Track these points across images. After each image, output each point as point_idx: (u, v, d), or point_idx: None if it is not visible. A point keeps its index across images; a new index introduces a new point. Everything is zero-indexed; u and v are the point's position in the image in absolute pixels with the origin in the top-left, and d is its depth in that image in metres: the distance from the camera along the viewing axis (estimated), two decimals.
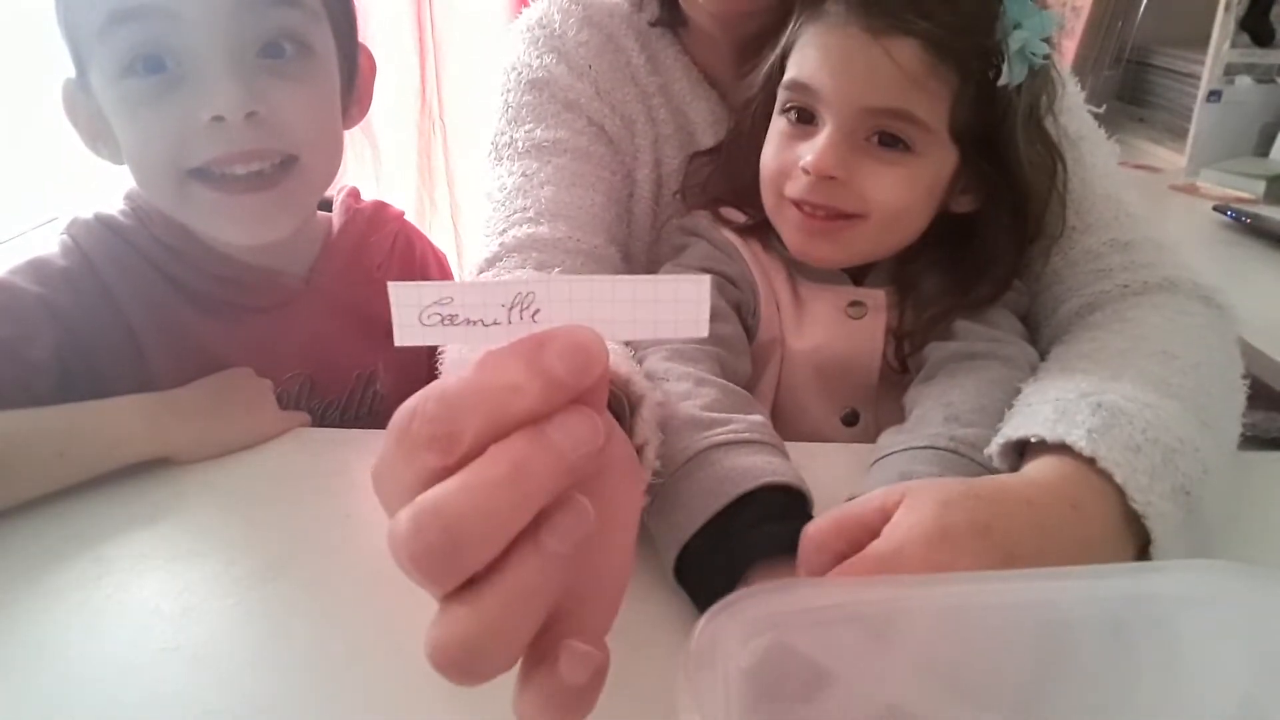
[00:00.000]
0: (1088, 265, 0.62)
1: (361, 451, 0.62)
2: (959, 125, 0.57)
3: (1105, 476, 0.42)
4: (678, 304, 0.26)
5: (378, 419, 0.77)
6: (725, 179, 0.68)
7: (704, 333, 0.26)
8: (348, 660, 0.43)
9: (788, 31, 0.61)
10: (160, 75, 0.58)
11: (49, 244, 0.65)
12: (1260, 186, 1.22)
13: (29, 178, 1.27)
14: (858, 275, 0.65)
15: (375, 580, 0.48)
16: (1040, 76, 0.58)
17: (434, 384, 0.25)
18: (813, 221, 0.59)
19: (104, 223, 0.67)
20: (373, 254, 0.78)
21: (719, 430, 0.47)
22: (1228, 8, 1.29)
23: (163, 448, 0.58)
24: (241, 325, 0.68)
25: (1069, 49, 1.47)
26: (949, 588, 0.29)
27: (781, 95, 0.61)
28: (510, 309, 0.25)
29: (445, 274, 0.88)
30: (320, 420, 0.71)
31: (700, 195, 0.70)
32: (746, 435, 0.47)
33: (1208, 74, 1.31)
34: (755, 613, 0.27)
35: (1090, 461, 0.42)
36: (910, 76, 0.54)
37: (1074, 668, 0.28)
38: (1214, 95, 1.32)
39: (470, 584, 0.24)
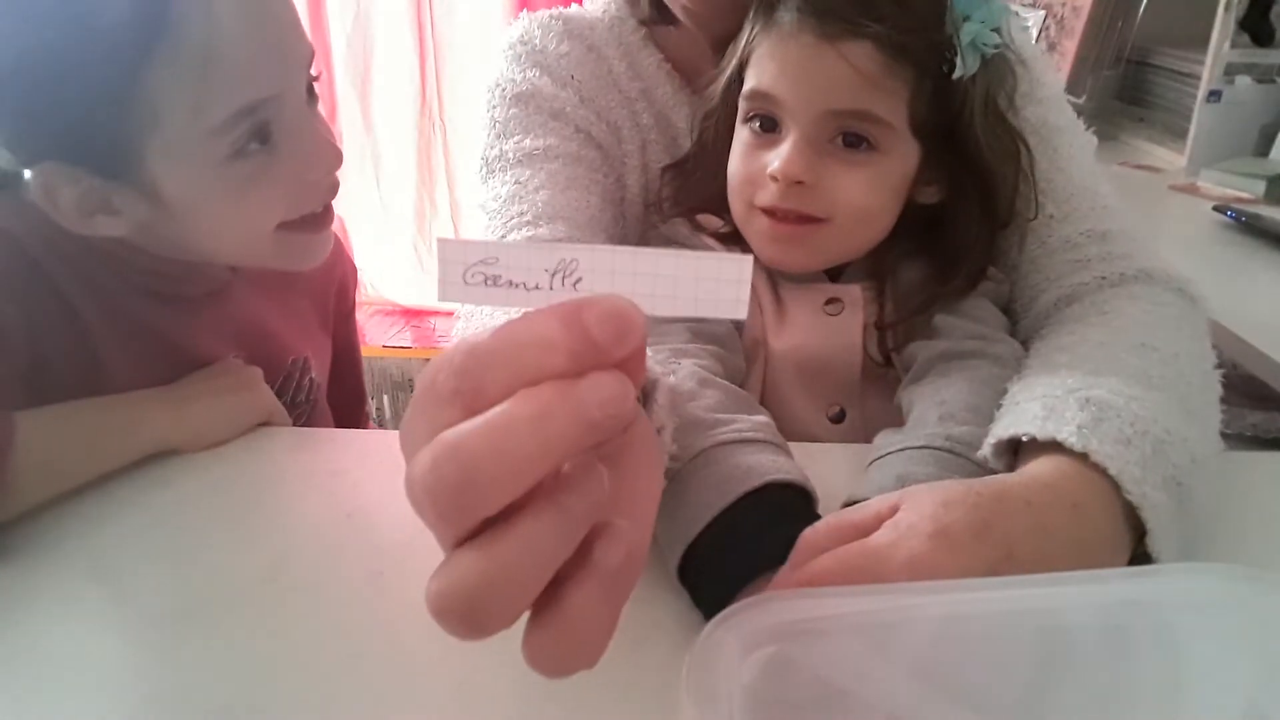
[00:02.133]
0: (1065, 255, 0.63)
1: (362, 451, 0.62)
2: (918, 120, 0.58)
3: (1099, 471, 0.42)
4: (719, 283, 0.26)
5: (317, 406, 0.81)
6: (694, 191, 0.69)
7: (743, 314, 0.26)
8: (348, 660, 0.43)
9: (743, 42, 0.62)
10: (268, 145, 0.60)
11: None
12: (1260, 186, 1.22)
13: None
14: (834, 273, 0.66)
15: (375, 580, 0.48)
16: (994, 65, 0.59)
17: (464, 338, 0.25)
18: (782, 226, 0.60)
19: (26, 207, 0.61)
20: None
21: (723, 429, 0.47)
22: (1228, 8, 1.29)
23: (171, 436, 0.59)
24: (182, 309, 0.69)
25: (1069, 49, 1.47)
26: (949, 596, 0.29)
27: (743, 105, 0.62)
28: (553, 275, 0.25)
29: (355, 283, 0.93)
30: None
31: (673, 208, 0.71)
32: (750, 434, 0.48)
33: (1208, 74, 1.31)
34: (756, 625, 0.27)
35: (1083, 457, 0.42)
36: (867, 77, 0.55)
37: (1075, 674, 0.28)
38: (1214, 95, 1.32)
39: (481, 533, 0.23)
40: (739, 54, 0.62)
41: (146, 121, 0.55)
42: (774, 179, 0.58)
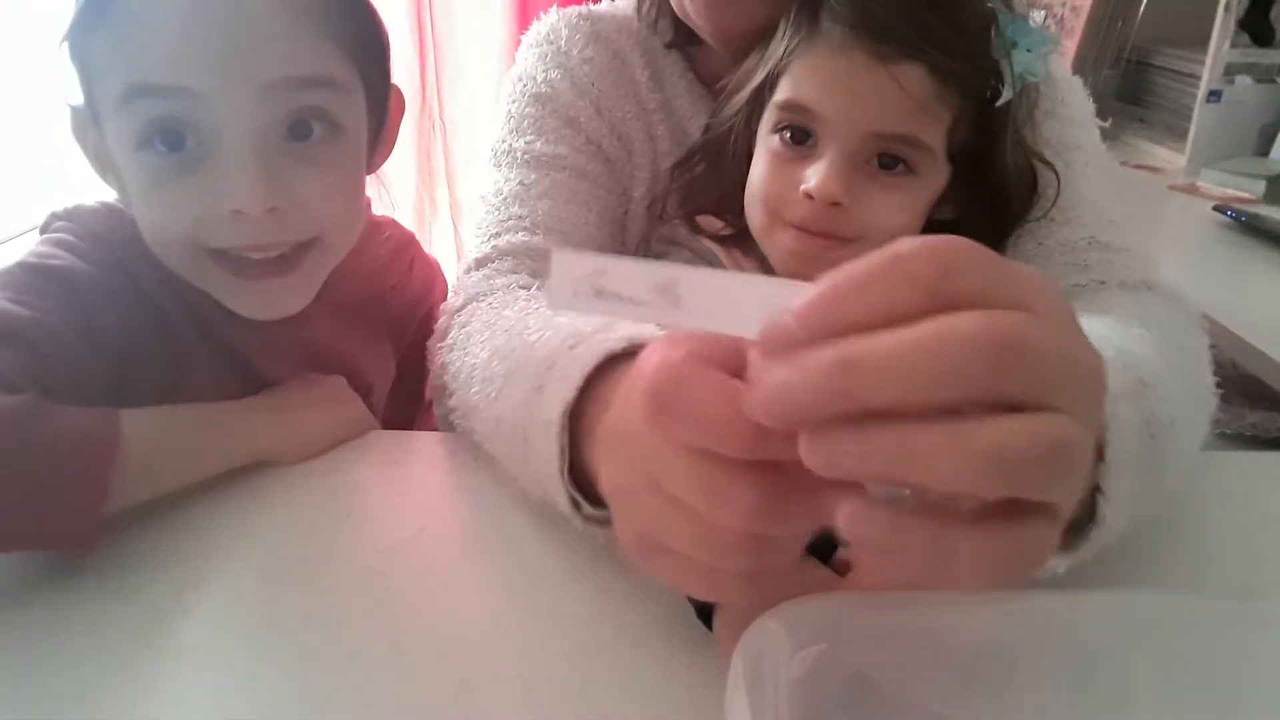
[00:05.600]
0: (1063, 257, 0.61)
1: (361, 452, 0.62)
2: (956, 144, 0.57)
3: None
4: None
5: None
6: (700, 191, 0.68)
7: None
8: (348, 660, 0.43)
9: (781, 52, 0.60)
10: (180, 154, 0.55)
11: (48, 235, 0.61)
12: (1260, 186, 1.22)
13: (30, 180, 1.26)
14: None
15: (375, 580, 0.48)
16: (1026, 88, 0.59)
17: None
18: (809, 241, 0.58)
19: (114, 212, 0.62)
20: (387, 276, 0.78)
21: None
22: (1228, 8, 1.29)
23: (275, 447, 0.59)
24: (262, 331, 0.66)
25: (1069, 49, 1.47)
26: (1000, 605, 0.28)
27: (775, 114, 0.60)
28: (656, 291, 0.27)
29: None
30: None
31: (678, 207, 0.70)
32: None
33: (1208, 74, 1.31)
34: (807, 621, 0.27)
35: None
36: (917, 101, 0.54)
37: (1121, 687, 0.28)
38: (1214, 95, 1.32)
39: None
40: (775, 61, 0.60)
41: (84, 77, 0.56)
42: (809, 197, 0.56)
